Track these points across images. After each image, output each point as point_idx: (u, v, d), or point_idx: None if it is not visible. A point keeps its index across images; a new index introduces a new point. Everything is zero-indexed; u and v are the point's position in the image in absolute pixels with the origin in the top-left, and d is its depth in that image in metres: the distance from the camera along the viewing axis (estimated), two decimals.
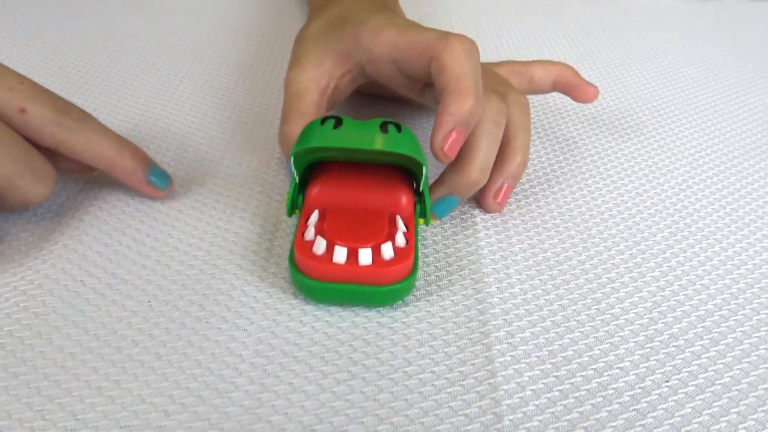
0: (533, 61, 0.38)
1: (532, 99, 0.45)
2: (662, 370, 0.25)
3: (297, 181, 0.29)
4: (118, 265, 0.29)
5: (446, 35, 0.29)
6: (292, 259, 0.27)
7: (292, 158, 0.27)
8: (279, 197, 0.34)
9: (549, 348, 0.26)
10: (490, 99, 0.30)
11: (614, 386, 0.25)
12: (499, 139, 0.31)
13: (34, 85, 0.29)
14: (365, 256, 0.26)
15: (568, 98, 0.45)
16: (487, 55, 0.51)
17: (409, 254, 0.27)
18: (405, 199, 0.29)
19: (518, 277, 0.30)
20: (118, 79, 0.45)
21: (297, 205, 0.30)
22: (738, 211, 0.35)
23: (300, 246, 0.27)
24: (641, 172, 0.38)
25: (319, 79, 0.33)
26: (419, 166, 0.28)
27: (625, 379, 0.25)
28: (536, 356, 0.26)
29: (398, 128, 0.27)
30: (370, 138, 0.26)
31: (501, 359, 0.25)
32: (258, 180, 0.35)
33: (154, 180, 0.32)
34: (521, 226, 0.33)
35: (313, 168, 0.31)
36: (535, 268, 0.30)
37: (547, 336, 0.27)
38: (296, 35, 0.36)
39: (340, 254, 0.26)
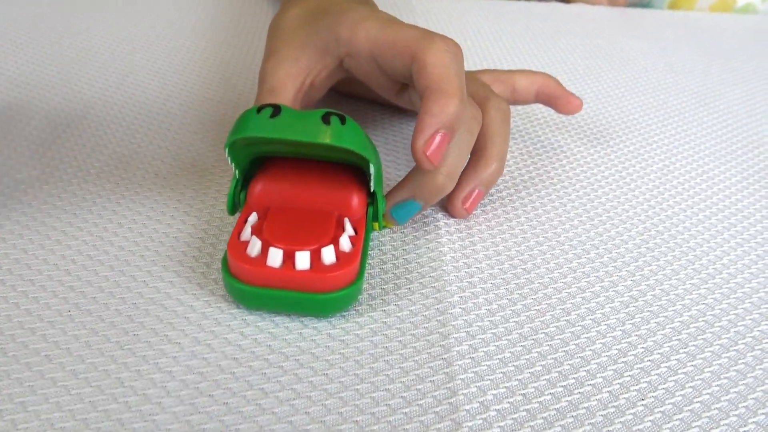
0: (517, 71, 0.36)
1: None
2: (637, 387, 0.23)
3: (237, 176, 0.27)
4: (38, 271, 0.26)
5: (430, 34, 0.27)
6: (225, 261, 0.25)
7: (227, 149, 0.25)
8: (225, 197, 0.31)
9: (515, 363, 0.24)
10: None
11: (586, 405, 0.22)
12: (470, 147, 0.29)
13: None
14: (302, 259, 0.23)
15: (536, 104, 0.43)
16: None
17: (353, 259, 0.24)
18: (356, 201, 0.27)
19: (483, 286, 0.27)
20: (56, 74, 0.42)
21: (239, 203, 0.27)
22: (711, 218, 0.33)
23: (234, 247, 0.24)
24: (611, 178, 0.36)
25: (296, 76, 0.30)
26: (366, 163, 0.25)
27: (598, 397, 0.23)
28: (501, 372, 0.23)
29: (342, 120, 0.24)
30: (310, 130, 0.24)
31: (463, 376, 0.23)
32: (204, 179, 0.32)
33: None
34: (487, 232, 0.31)
35: (260, 163, 0.28)
36: (501, 276, 0.28)
37: (513, 350, 0.24)
38: (271, 23, 0.33)
39: (275, 257, 0.23)
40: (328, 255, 0.24)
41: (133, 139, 0.35)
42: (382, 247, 0.29)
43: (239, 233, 0.25)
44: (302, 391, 0.22)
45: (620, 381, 0.23)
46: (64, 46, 0.45)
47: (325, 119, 0.24)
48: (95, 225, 0.29)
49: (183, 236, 0.29)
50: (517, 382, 0.23)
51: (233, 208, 0.27)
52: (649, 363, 0.24)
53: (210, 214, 0.30)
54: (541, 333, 0.25)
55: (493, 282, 0.28)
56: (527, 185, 0.35)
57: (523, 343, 0.25)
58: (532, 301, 0.27)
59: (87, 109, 0.38)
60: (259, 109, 0.24)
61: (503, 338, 0.25)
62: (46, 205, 0.30)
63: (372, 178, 0.26)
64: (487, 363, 0.24)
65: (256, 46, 0.48)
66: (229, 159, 0.26)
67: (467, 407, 0.22)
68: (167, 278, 0.26)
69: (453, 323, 0.25)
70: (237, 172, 0.27)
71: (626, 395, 0.23)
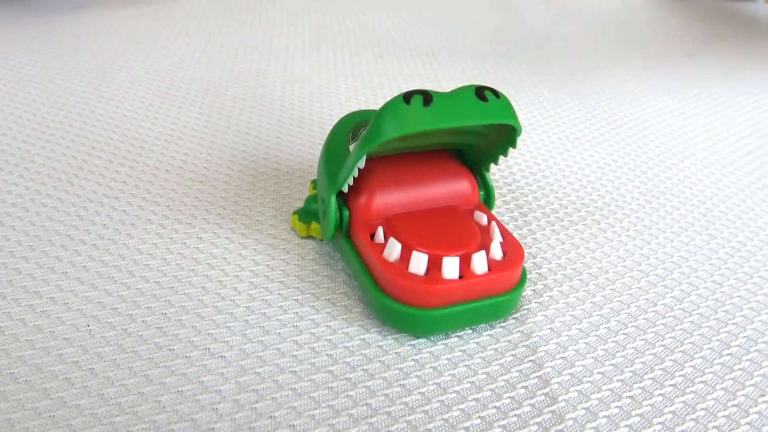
0: None
1: (558, 122, 0.40)
2: (752, 382, 0.20)
3: (338, 190, 0.22)
4: (44, 282, 0.22)
5: None
6: (376, 288, 0.21)
7: (360, 159, 0.20)
8: (261, 207, 0.28)
9: (612, 362, 0.21)
10: None
11: (703, 406, 0.19)
12: None
13: None
14: (480, 261, 0.20)
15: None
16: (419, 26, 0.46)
17: (518, 249, 0.22)
18: (469, 187, 0.24)
19: (554, 277, 0.24)
20: (39, 70, 0.38)
21: (340, 224, 0.23)
22: None
23: (390, 269, 0.20)
24: (657, 159, 0.33)
25: None
26: (513, 135, 0.22)
27: (713, 396, 0.20)
28: (599, 373, 0.20)
29: (495, 93, 0.21)
30: (472, 111, 0.20)
31: (558, 379, 0.20)
32: (233, 184, 0.29)
33: None
34: (549, 228, 0.28)
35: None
36: (571, 267, 0.25)
37: (605, 347, 0.21)
38: None
39: (451, 266, 0.20)
40: (496, 249, 0.21)
41: (137, 134, 0.32)
42: None
43: (380, 253, 0.21)
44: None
45: (732, 376, 0.21)
46: (45, 42, 0.41)
47: (480, 95, 0.20)
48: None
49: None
50: (619, 383, 0.20)
51: (334, 231, 0.23)
52: (756, 353, 0.21)
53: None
54: (631, 327, 0.22)
55: (564, 273, 0.25)
56: (574, 171, 0.32)
57: (614, 339, 0.22)
58: (611, 292, 0.24)
59: (76, 105, 0.34)
60: (408, 98, 0.20)
61: (591, 334, 0.22)
62: (55, 190, 0.26)
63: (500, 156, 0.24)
64: (581, 363, 0.21)
65: (277, 40, 0.45)
66: (355, 170, 0.21)
67: (572, 415, 0.19)
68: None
69: (532, 320, 0.22)
70: (344, 186, 0.22)
71: (743, 392, 0.20)
